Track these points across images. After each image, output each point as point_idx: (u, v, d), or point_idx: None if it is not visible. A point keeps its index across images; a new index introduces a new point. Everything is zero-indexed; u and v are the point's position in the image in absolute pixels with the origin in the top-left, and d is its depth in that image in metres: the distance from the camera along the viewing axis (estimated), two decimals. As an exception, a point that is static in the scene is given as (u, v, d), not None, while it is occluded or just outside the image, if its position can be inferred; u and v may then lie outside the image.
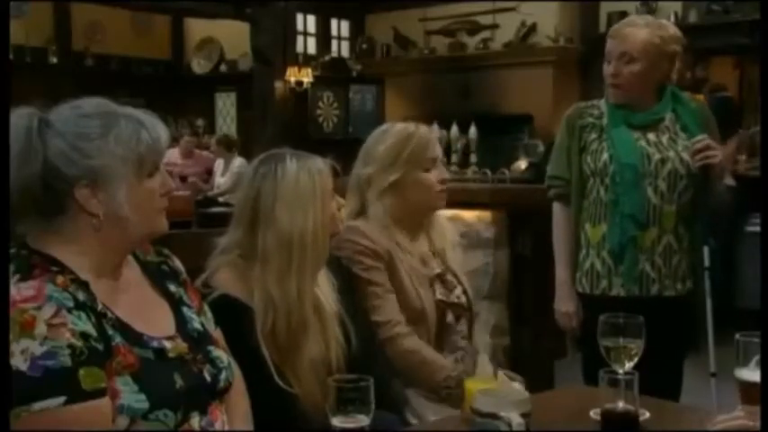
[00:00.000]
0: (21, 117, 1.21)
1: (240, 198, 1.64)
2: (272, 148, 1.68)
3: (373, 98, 9.23)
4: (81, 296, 1.17)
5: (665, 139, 2.13)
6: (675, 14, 7.66)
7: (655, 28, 2.10)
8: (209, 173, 7.23)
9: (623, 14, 7.89)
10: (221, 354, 1.35)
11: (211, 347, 1.34)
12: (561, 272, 2.23)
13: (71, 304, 1.14)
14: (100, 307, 1.19)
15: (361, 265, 1.82)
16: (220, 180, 6.90)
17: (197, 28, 9.43)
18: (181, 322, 1.33)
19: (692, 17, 7.56)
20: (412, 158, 1.90)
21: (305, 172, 1.59)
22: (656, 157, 2.11)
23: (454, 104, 7.72)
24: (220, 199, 6.58)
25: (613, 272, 2.14)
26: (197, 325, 1.35)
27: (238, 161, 6.75)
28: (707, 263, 2.10)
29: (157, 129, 1.27)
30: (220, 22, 8.53)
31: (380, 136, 1.94)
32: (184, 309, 1.36)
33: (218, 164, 7.02)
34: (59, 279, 1.17)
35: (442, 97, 7.96)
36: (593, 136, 2.17)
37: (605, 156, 2.14)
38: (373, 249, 1.83)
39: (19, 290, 1.13)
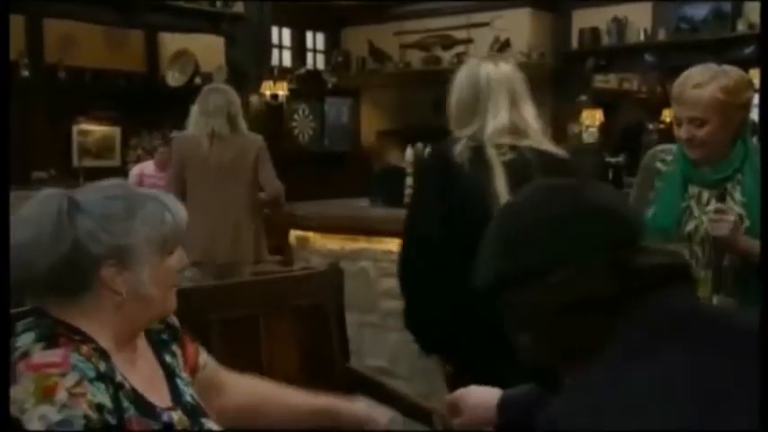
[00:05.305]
0: (51, 198, 1.24)
1: None
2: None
3: (349, 111, 9.25)
4: (102, 367, 1.19)
5: (715, 198, 2.04)
6: (645, 31, 7.81)
7: (718, 81, 1.99)
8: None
9: (595, 30, 8.02)
10: (213, 425, 1.37)
11: (204, 419, 1.36)
12: None
13: (93, 375, 1.17)
14: (119, 378, 1.22)
15: None
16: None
17: (171, 41, 9.40)
18: (176, 394, 1.35)
19: (662, 35, 7.71)
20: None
21: None
22: (690, 218, 2.04)
23: (429, 118, 7.77)
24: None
25: None
26: (188, 398, 1.37)
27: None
28: None
29: (179, 210, 1.31)
30: (195, 35, 8.52)
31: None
32: (178, 380, 1.38)
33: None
34: (84, 348, 1.19)
35: (418, 110, 8.02)
36: (659, 185, 2.12)
37: (650, 211, 2.09)
38: None
39: (44, 356, 1.15)
